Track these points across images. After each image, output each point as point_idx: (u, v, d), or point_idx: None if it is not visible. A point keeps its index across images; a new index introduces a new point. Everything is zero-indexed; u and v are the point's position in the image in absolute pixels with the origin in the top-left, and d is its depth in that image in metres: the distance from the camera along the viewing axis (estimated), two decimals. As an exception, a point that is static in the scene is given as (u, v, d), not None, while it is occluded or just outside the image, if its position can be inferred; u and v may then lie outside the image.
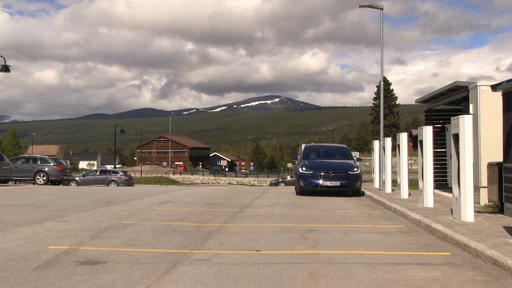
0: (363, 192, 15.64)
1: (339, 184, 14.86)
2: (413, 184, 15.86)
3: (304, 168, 15.37)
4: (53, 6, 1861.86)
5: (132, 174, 45.60)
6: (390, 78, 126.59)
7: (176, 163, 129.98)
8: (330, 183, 14.82)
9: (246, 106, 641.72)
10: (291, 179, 35.20)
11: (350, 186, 14.99)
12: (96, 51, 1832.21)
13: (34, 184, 25.90)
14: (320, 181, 14.83)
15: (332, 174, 14.98)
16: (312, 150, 17.58)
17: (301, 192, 15.40)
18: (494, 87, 9.18)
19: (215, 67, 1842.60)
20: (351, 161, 16.10)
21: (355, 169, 15.27)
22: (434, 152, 12.61)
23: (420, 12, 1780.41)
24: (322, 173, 14.96)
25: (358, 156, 19.77)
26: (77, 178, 33.38)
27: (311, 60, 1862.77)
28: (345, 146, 18.44)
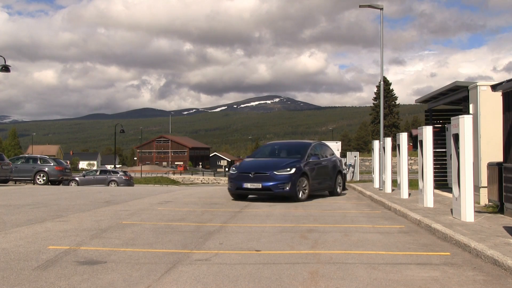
0: (300, 197, 12.98)
1: (261, 187, 12.71)
2: (413, 184, 15.85)
3: (233, 168, 13.71)
4: (52, 6, 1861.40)
5: (132, 174, 45.60)
6: (388, 78, 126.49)
7: (176, 163, 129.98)
8: (251, 185, 12.78)
9: (246, 106, 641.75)
10: None
11: (276, 189, 12.64)
12: (94, 52, 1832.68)
13: (34, 184, 25.90)
14: (243, 183, 12.91)
15: (253, 175, 12.85)
16: (265, 148, 15.64)
17: (232, 195, 13.64)
18: (494, 87, 9.19)
19: (213, 67, 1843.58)
20: (294, 160, 13.41)
21: (288, 169, 12.77)
22: (434, 152, 12.61)
23: (417, 13, 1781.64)
24: (244, 174, 13.01)
25: (320, 153, 14.93)
26: (77, 178, 33.39)
27: (309, 61, 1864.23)
28: (311, 142, 15.33)
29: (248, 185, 12.82)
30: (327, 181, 14.76)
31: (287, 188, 12.63)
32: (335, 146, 18.82)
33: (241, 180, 12.97)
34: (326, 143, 16.84)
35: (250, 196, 13.65)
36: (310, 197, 14.24)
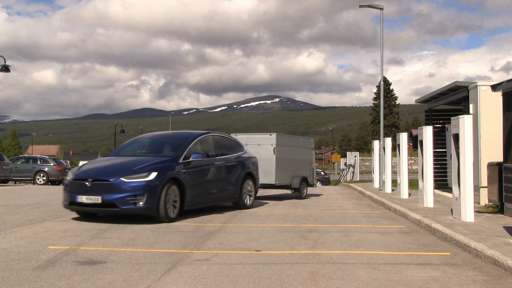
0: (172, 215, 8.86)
1: (100, 201, 8.41)
2: (413, 184, 15.85)
3: (70, 172, 9.51)
4: (51, 7, 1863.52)
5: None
6: (388, 78, 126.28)
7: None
8: (87, 198, 8.49)
9: (246, 106, 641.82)
10: None
11: (124, 205, 8.35)
12: (93, 52, 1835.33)
13: (34, 184, 25.91)
14: (76, 195, 8.62)
15: (91, 182, 8.58)
16: (135, 142, 10.98)
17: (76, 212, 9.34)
18: (494, 87, 9.19)
19: (212, 67, 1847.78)
20: (160, 160, 9.30)
21: (145, 174, 8.58)
22: (434, 152, 12.62)
23: (415, 13, 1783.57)
24: (79, 181, 8.76)
25: (213, 150, 10.73)
26: (77, 178, 33.35)
27: (308, 61, 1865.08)
28: (197, 133, 10.70)
29: (83, 199, 8.53)
30: (227, 189, 10.68)
31: (141, 203, 8.40)
32: (268, 140, 13.97)
33: (75, 190, 8.74)
34: (233, 136, 12.86)
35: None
36: (309, 196, 14.15)
